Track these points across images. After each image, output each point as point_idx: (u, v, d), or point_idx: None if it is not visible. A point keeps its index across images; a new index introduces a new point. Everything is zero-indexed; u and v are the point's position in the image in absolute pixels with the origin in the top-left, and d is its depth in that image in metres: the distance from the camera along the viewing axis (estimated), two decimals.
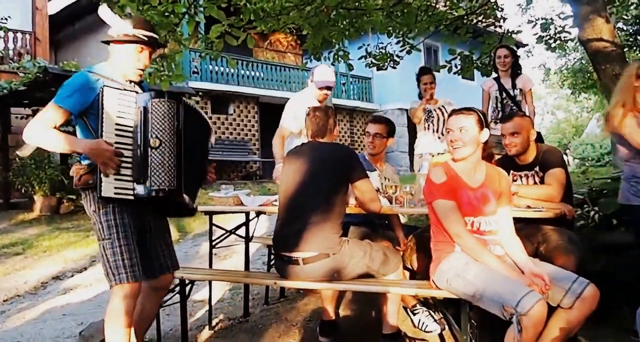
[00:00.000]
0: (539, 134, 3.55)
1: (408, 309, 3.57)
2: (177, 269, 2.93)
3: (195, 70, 14.30)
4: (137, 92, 2.61)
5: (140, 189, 2.48)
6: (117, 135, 2.48)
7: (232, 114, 15.24)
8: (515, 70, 5.38)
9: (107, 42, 2.69)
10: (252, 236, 4.25)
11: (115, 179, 2.45)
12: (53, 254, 7.01)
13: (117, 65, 2.68)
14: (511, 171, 3.48)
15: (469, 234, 2.70)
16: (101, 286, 5.27)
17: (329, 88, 4.31)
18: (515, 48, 5.92)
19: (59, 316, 4.56)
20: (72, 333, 4.00)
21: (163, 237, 2.85)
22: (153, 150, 2.48)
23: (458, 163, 2.86)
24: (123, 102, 2.50)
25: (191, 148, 2.66)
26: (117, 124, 2.48)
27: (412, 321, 3.51)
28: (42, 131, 2.49)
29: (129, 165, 2.49)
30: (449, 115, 2.90)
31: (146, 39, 2.65)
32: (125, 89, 2.57)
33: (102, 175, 2.44)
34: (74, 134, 2.65)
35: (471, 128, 2.76)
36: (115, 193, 2.46)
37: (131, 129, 2.51)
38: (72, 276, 5.98)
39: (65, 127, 3.14)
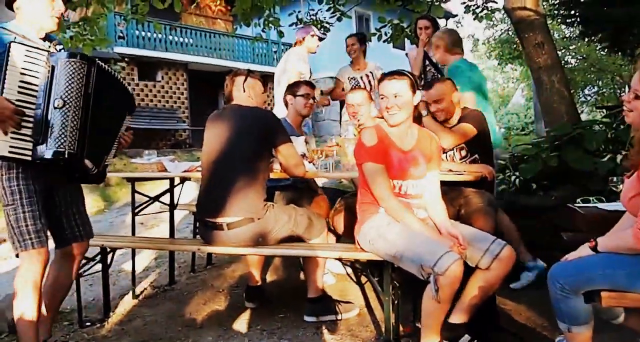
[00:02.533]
0: None
1: None
2: (91, 237, 2.81)
3: (121, 34, 13.75)
4: (49, 52, 2.46)
5: (38, 151, 2.35)
6: (20, 92, 2.31)
7: (160, 81, 14.80)
8: None
9: (10, 1, 2.52)
10: (177, 203, 4.17)
11: (12, 138, 2.30)
12: None
13: (31, 21, 2.51)
14: None
15: (394, 198, 2.72)
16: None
17: None
18: (437, 18, 5.96)
19: None
20: None
21: (75, 204, 2.72)
22: (55, 111, 2.35)
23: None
24: (31, 60, 2.34)
25: (102, 113, 2.53)
26: (21, 81, 2.32)
27: None
28: None
29: (30, 125, 2.35)
30: (380, 80, 2.86)
31: None
32: (37, 47, 2.42)
33: None
34: None
35: (405, 93, 2.73)
36: (10, 152, 2.30)
37: (36, 88, 2.36)
38: None
39: None
